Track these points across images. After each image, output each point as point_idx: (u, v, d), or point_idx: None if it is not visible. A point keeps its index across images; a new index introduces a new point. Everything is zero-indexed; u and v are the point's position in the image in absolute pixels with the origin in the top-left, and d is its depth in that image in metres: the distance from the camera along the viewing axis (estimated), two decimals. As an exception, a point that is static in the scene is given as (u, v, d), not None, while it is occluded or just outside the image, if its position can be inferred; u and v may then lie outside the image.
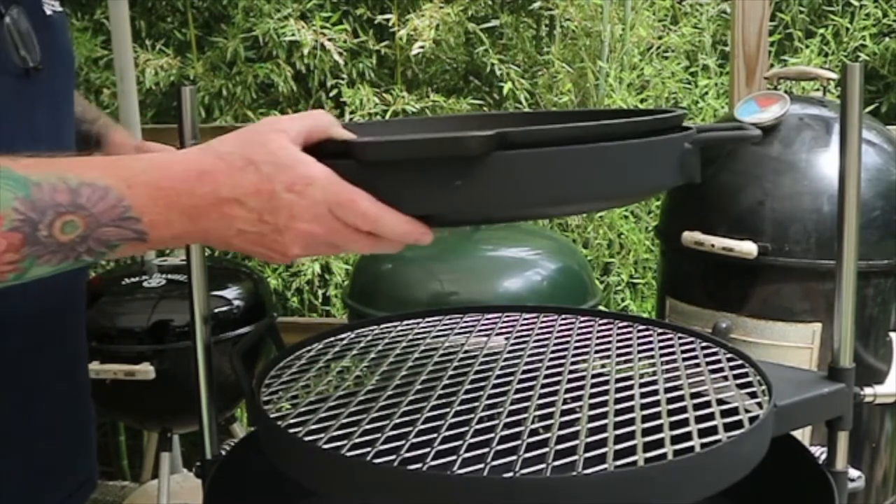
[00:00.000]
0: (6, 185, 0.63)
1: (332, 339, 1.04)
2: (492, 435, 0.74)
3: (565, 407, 0.80)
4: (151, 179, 0.67)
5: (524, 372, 0.91)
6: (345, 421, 0.78)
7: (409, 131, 0.97)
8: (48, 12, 0.94)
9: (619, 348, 0.97)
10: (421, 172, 0.66)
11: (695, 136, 0.75)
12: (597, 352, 0.96)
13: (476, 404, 0.81)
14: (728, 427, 0.74)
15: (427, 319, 1.10)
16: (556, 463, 0.69)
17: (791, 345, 1.41)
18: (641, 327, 1.04)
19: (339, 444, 0.74)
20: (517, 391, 0.86)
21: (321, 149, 0.69)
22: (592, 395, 0.83)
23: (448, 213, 0.69)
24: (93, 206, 0.65)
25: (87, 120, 1.25)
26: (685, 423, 0.76)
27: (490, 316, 1.11)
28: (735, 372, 0.88)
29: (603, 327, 1.05)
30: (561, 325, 1.06)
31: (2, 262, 0.64)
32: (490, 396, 0.85)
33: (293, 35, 3.17)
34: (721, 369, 0.90)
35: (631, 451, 0.71)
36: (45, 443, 0.94)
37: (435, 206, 0.67)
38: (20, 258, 0.64)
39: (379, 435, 0.74)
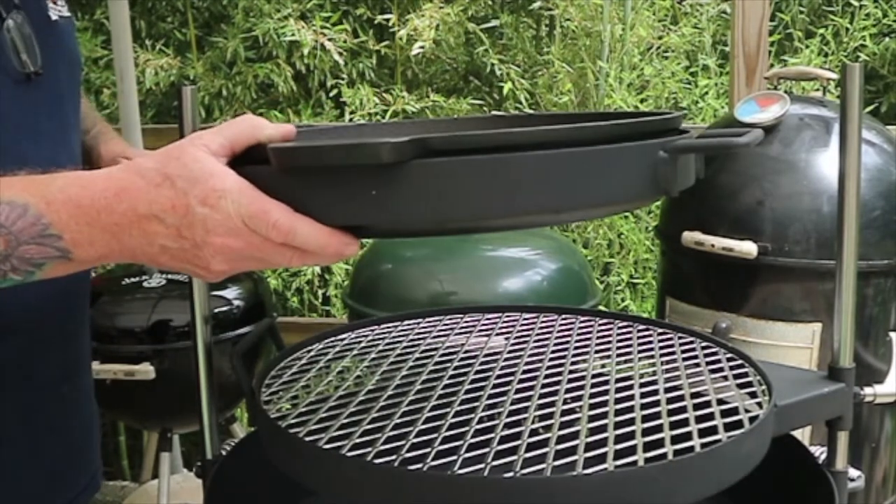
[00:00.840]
0: None
1: (332, 339, 1.04)
2: (492, 435, 0.74)
3: (565, 407, 0.80)
4: (71, 197, 0.67)
5: (524, 372, 0.91)
6: (345, 421, 0.78)
7: (356, 136, 0.93)
8: (54, 17, 0.94)
9: (619, 348, 0.97)
10: (336, 180, 0.62)
11: (671, 143, 0.68)
12: (597, 352, 0.96)
13: (476, 404, 0.81)
14: (728, 427, 0.74)
15: (427, 320, 1.10)
16: (557, 463, 0.69)
17: (791, 345, 1.41)
18: (641, 327, 1.04)
19: (339, 444, 0.74)
20: (517, 391, 0.85)
21: (250, 155, 0.67)
22: (592, 395, 0.83)
23: (368, 225, 0.65)
24: (11, 224, 0.66)
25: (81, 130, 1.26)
26: (685, 423, 0.75)
27: (490, 316, 1.11)
28: (735, 372, 0.88)
29: (603, 327, 1.05)
30: (561, 325, 1.06)
31: None
32: (490, 396, 0.85)
33: (293, 35, 3.17)
34: (721, 369, 0.90)
35: (631, 451, 0.71)
36: (50, 445, 0.94)
37: (353, 216, 0.63)
38: None
39: (379, 435, 0.74)
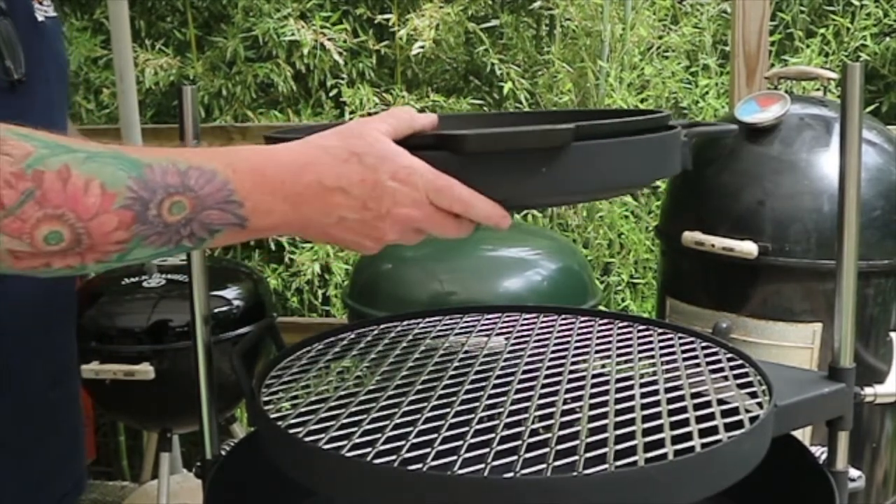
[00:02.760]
0: (120, 165, 0.65)
1: (332, 339, 1.04)
2: (492, 435, 0.74)
3: (566, 407, 0.80)
4: (256, 166, 0.69)
5: (524, 372, 0.91)
6: (345, 421, 0.78)
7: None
8: (40, 19, 0.92)
9: (619, 348, 0.97)
10: (513, 161, 0.72)
11: (689, 129, 0.83)
12: (597, 352, 0.96)
13: (476, 404, 0.81)
14: (728, 427, 0.74)
15: (427, 319, 1.10)
16: (557, 463, 0.69)
17: (791, 345, 1.41)
18: (641, 327, 1.04)
19: (339, 444, 0.74)
20: (517, 391, 0.85)
21: (410, 142, 0.73)
22: (593, 395, 0.83)
23: (533, 197, 0.80)
24: (200, 188, 0.67)
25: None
26: (685, 423, 0.75)
27: (490, 316, 1.11)
28: (735, 372, 0.88)
29: (603, 327, 1.05)
30: (561, 325, 1.06)
31: (111, 240, 0.65)
32: (490, 396, 0.85)
33: (293, 35, 3.17)
34: (721, 369, 0.90)
35: (631, 451, 0.71)
36: (38, 449, 0.94)
37: (526, 190, 0.74)
38: (129, 237, 0.65)
39: (379, 435, 0.74)
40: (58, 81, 0.96)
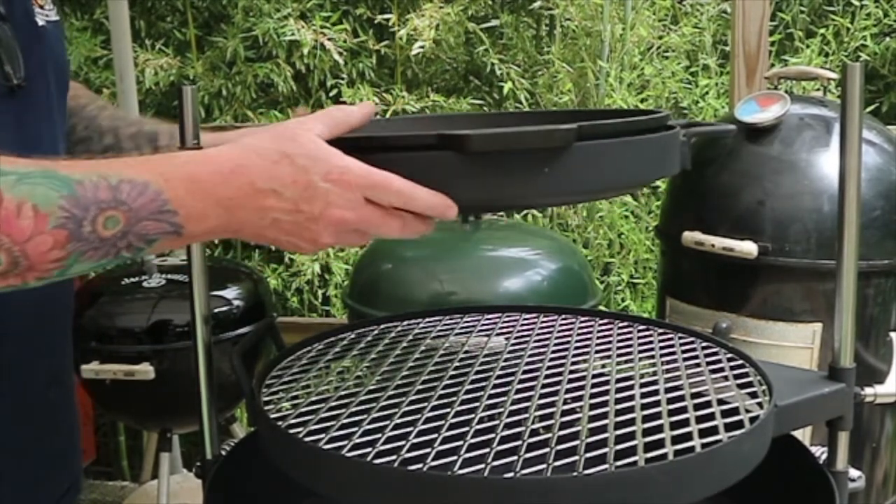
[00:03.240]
0: (51, 184, 0.66)
1: (332, 339, 1.04)
2: (492, 435, 0.74)
3: (566, 407, 0.80)
4: (189, 173, 0.70)
5: (524, 372, 0.91)
6: (345, 421, 0.78)
7: (399, 128, 1.07)
8: (41, 23, 0.92)
9: (619, 348, 0.97)
10: (516, 161, 0.72)
11: (688, 129, 0.84)
12: (597, 352, 0.96)
13: (476, 404, 0.81)
14: (729, 427, 0.74)
15: (427, 319, 1.10)
16: (557, 463, 0.69)
17: (791, 345, 1.41)
18: (642, 327, 1.04)
19: (339, 444, 0.73)
20: (517, 391, 0.85)
21: (410, 143, 0.74)
22: (593, 396, 0.83)
23: (535, 197, 0.81)
24: (133, 200, 0.68)
25: (132, 123, 1.20)
26: (686, 423, 0.75)
27: (490, 316, 1.11)
28: (735, 372, 0.88)
29: (603, 327, 1.05)
30: (561, 325, 1.06)
31: (48, 259, 0.66)
32: (490, 396, 0.85)
33: (293, 35, 3.17)
34: (721, 369, 0.90)
35: (632, 451, 0.71)
36: (37, 449, 0.94)
37: (526, 191, 0.74)
38: (65, 255, 0.67)
39: (379, 435, 0.74)
40: (58, 86, 0.96)
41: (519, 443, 0.72)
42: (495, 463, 0.69)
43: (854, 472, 0.89)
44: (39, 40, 0.91)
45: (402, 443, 0.73)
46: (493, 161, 0.72)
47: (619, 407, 0.79)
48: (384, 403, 0.83)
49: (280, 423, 0.78)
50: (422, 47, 3.17)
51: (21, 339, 0.89)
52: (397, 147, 0.75)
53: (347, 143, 0.75)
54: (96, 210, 0.67)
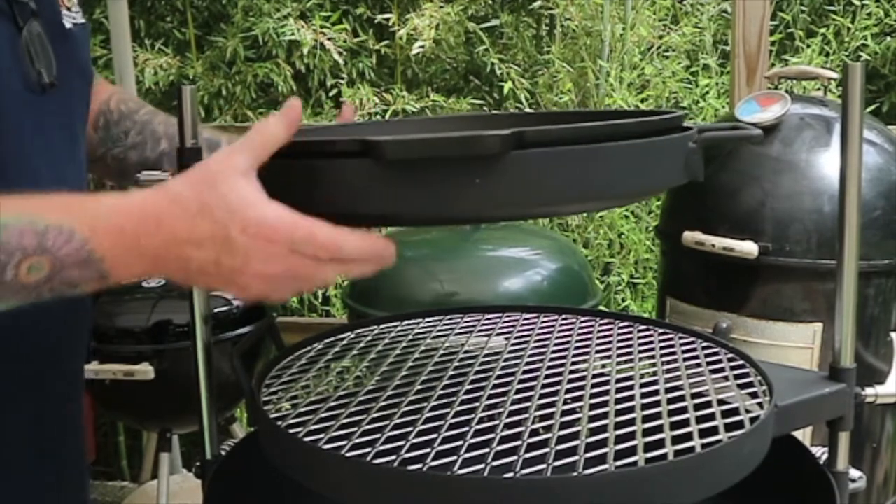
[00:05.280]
0: None
1: (332, 339, 1.04)
2: (492, 435, 0.74)
3: (566, 407, 0.80)
4: (114, 224, 0.69)
5: (524, 372, 0.91)
6: (345, 421, 0.78)
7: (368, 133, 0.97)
8: (68, 25, 0.90)
9: (619, 348, 0.97)
10: (442, 171, 0.66)
11: (697, 135, 0.76)
12: (597, 352, 0.96)
13: (476, 404, 0.81)
14: (729, 427, 0.74)
15: (427, 319, 1.10)
16: (557, 463, 0.69)
17: (792, 345, 1.41)
18: (642, 327, 1.04)
19: (339, 444, 0.73)
20: (517, 391, 0.85)
21: (332, 150, 0.69)
22: (593, 396, 0.83)
23: (467, 212, 0.70)
24: (58, 249, 0.68)
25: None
26: (686, 423, 0.75)
27: (490, 316, 1.11)
28: (736, 372, 0.88)
29: (603, 327, 1.04)
30: (561, 325, 1.06)
31: None
32: (490, 396, 0.85)
33: (293, 34, 3.17)
34: (722, 369, 0.89)
35: (631, 451, 0.71)
36: (51, 464, 0.93)
37: (458, 204, 0.67)
38: None
39: (379, 435, 0.74)
40: (81, 91, 0.94)
41: (519, 443, 0.72)
42: (495, 463, 0.69)
43: (855, 473, 0.89)
44: (65, 43, 0.89)
45: (402, 443, 0.73)
46: (414, 170, 0.66)
47: (619, 407, 0.79)
48: (384, 403, 0.83)
49: (280, 422, 0.78)
50: (422, 47, 3.17)
51: (47, 356, 0.89)
52: (313, 154, 0.71)
53: None
54: (20, 256, 0.66)
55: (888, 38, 3.03)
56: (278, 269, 0.68)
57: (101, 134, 1.07)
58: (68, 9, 0.91)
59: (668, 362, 0.91)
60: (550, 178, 0.67)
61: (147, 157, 1.08)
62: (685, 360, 0.92)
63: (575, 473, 0.67)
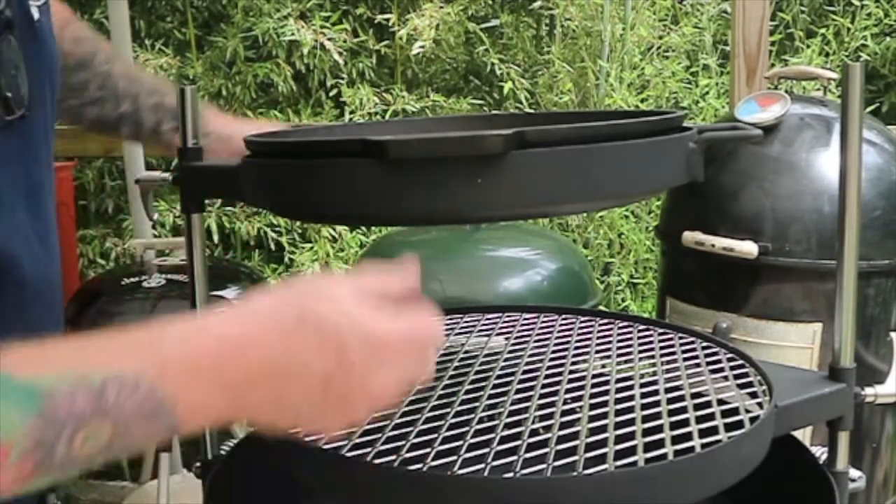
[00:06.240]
0: (12, 400, 0.50)
1: (332, 339, 1.03)
2: (492, 435, 0.74)
3: (566, 407, 0.80)
4: (189, 356, 0.56)
5: (524, 372, 0.91)
6: (345, 421, 0.78)
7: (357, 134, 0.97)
8: (36, 16, 0.78)
9: (619, 348, 0.97)
10: (444, 171, 0.66)
11: (698, 135, 0.76)
12: (597, 352, 0.96)
13: (476, 404, 0.81)
14: (729, 427, 0.74)
15: (427, 319, 1.10)
16: (557, 463, 0.69)
17: (792, 345, 1.41)
18: (642, 327, 1.04)
19: (339, 444, 0.73)
20: (517, 391, 0.85)
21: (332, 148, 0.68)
22: (593, 396, 0.83)
23: (468, 212, 0.69)
24: (120, 406, 0.53)
25: (152, 90, 1.03)
26: (686, 423, 0.75)
27: (490, 316, 1.11)
28: (735, 372, 0.88)
29: (603, 327, 1.04)
30: (561, 325, 1.06)
31: (5, 490, 0.51)
32: (490, 396, 0.85)
33: (293, 35, 3.17)
34: (721, 369, 0.89)
35: (631, 451, 0.71)
36: None
37: (460, 204, 0.67)
38: (27, 485, 0.52)
39: (379, 435, 0.74)
40: (52, 95, 0.83)
41: (519, 443, 0.72)
42: (495, 463, 0.69)
43: (854, 473, 0.89)
44: (36, 41, 0.78)
45: (402, 442, 0.73)
46: (417, 170, 0.66)
47: (619, 407, 0.79)
48: (384, 403, 0.83)
49: (280, 423, 0.78)
50: (422, 47, 3.17)
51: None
52: (315, 153, 0.70)
53: (266, 147, 0.72)
54: (73, 427, 0.51)
55: (888, 39, 3.03)
56: (390, 392, 0.59)
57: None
58: None
59: (668, 362, 0.91)
60: (552, 178, 0.67)
61: (106, 115, 0.99)
62: (685, 360, 0.92)
63: (575, 473, 0.67)
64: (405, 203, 0.67)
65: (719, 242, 1.42)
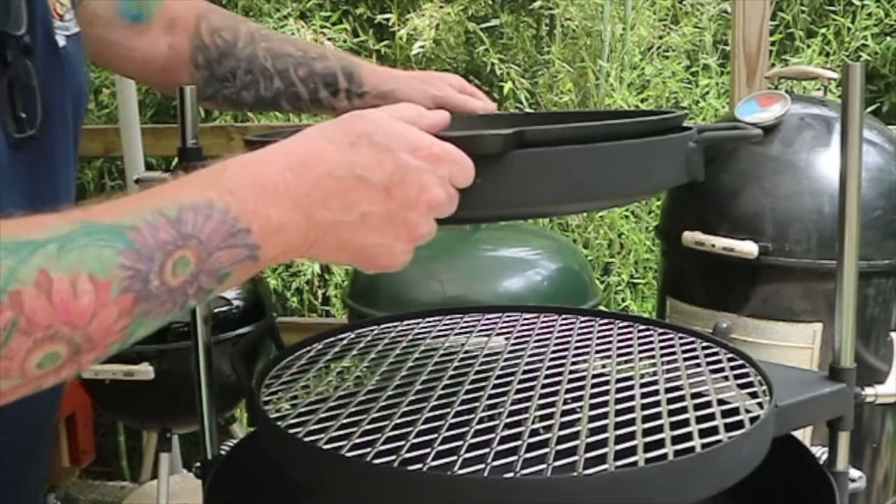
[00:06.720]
0: (101, 241, 0.52)
1: (332, 339, 1.04)
2: (492, 435, 0.74)
3: (566, 407, 0.80)
4: (254, 179, 0.58)
5: (525, 372, 0.91)
6: (345, 421, 0.78)
7: None
8: (61, 43, 0.79)
9: (619, 348, 0.97)
10: None
11: (698, 135, 0.77)
12: (597, 352, 0.96)
13: (476, 404, 0.81)
14: (729, 427, 0.74)
15: (427, 319, 1.10)
16: (557, 463, 0.69)
17: (792, 345, 1.41)
18: (642, 327, 1.04)
19: (338, 444, 0.73)
20: (518, 391, 0.85)
21: None
22: (593, 396, 0.83)
23: (468, 211, 0.68)
24: (200, 230, 0.55)
25: (300, 60, 1.06)
26: (686, 423, 0.75)
27: (490, 316, 1.11)
28: (736, 372, 0.88)
29: (603, 327, 1.04)
30: (561, 325, 1.06)
31: (111, 333, 0.53)
32: (490, 397, 0.85)
33: (293, 34, 3.17)
34: (722, 369, 0.89)
35: (632, 451, 0.71)
36: (31, 479, 0.86)
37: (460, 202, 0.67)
38: (130, 322, 0.54)
39: (379, 435, 0.74)
40: (75, 119, 0.84)
41: (519, 443, 0.72)
42: (495, 463, 0.69)
43: (855, 473, 0.89)
44: (60, 66, 0.79)
45: (402, 443, 0.73)
46: None
47: (619, 407, 0.79)
48: (384, 403, 0.83)
49: (280, 422, 0.78)
50: (422, 47, 3.17)
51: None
52: None
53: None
54: (162, 256, 0.54)
55: (888, 39, 3.03)
56: (444, 198, 0.62)
57: (204, 74, 1.02)
58: (62, 18, 0.80)
59: (668, 362, 0.91)
60: (551, 178, 0.68)
61: (263, 96, 1.02)
62: (685, 360, 0.92)
63: (575, 473, 0.67)
64: None
65: (719, 242, 1.42)
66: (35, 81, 0.75)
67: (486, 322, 1.09)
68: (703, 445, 0.71)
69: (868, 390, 0.98)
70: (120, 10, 0.98)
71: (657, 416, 0.77)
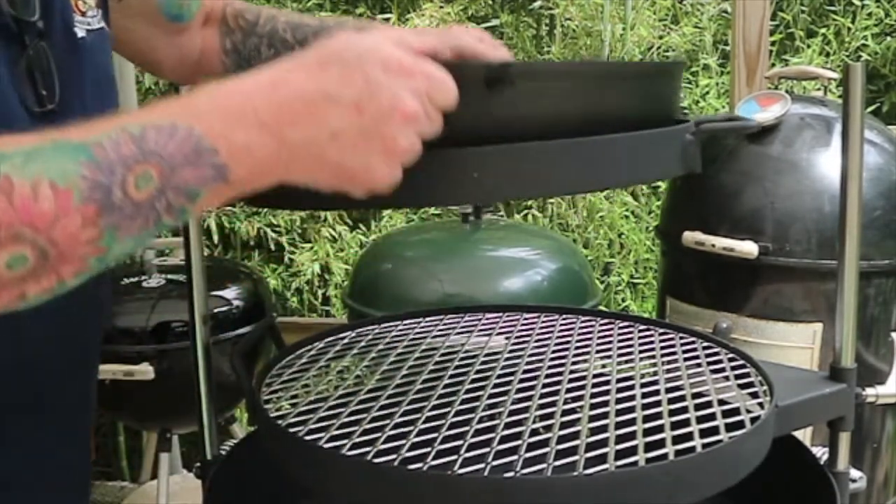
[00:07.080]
0: (65, 154, 0.56)
1: (332, 338, 1.03)
2: (492, 435, 0.74)
3: (566, 407, 0.80)
4: (220, 102, 0.60)
5: (525, 372, 0.91)
6: (345, 421, 0.78)
7: None
8: (80, 34, 0.81)
9: (619, 348, 0.97)
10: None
11: (695, 127, 0.77)
12: (598, 352, 0.96)
13: (477, 404, 0.81)
14: (729, 427, 0.74)
15: (427, 319, 1.10)
16: (557, 463, 0.69)
17: (792, 345, 1.41)
18: (642, 327, 1.04)
19: (339, 443, 0.73)
20: (518, 391, 0.85)
21: None
22: (593, 395, 0.83)
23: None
24: (162, 147, 0.58)
25: (315, 28, 1.06)
26: (686, 423, 0.75)
27: (490, 316, 1.11)
28: (736, 372, 0.88)
29: (604, 327, 1.04)
30: (562, 325, 1.06)
31: (80, 242, 0.57)
32: (491, 396, 0.85)
33: (293, 35, 3.17)
34: (722, 369, 0.89)
35: (632, 451, 0.71)
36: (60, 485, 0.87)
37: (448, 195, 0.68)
38: (98, 233, 0.57)
39: (379, 435, 0.74)
40: (98, 105, 0.84)
41: (519, 442, 0.72)
42: (495, 463, 0.69)
43: (855, 473, 0.89)
44: (78, 55, 0.81)
45: (402, 442, 0.73)
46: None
47: (619, 407, 0.79)
48: (384, 403, 0.83)
49: (280, 421, 0.78)
50: (422, 47, 3.17)
51: (49, 366, 0.82)
52: None
53: None
54: (123, 170, 0.57)
55: (888, 38, 3.03)
56: (420, 110, 0.61)
57: (234, 58, 1.03)
58: (83, 13, 0.82)
59: (669, 362, 0.91)
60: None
61: None
62: (686, 360, 0.92)
63: (575, 473, 0.67)
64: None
65: (719, 242, 1.42)
66: (52, 64, 0.77)
67: (487, 322, 1.08)
68: (704, 445, 0.71)
69: (869, 390, 0.98)
70: (161, 9, 1.00)
71: (658, 416, 0.77)
